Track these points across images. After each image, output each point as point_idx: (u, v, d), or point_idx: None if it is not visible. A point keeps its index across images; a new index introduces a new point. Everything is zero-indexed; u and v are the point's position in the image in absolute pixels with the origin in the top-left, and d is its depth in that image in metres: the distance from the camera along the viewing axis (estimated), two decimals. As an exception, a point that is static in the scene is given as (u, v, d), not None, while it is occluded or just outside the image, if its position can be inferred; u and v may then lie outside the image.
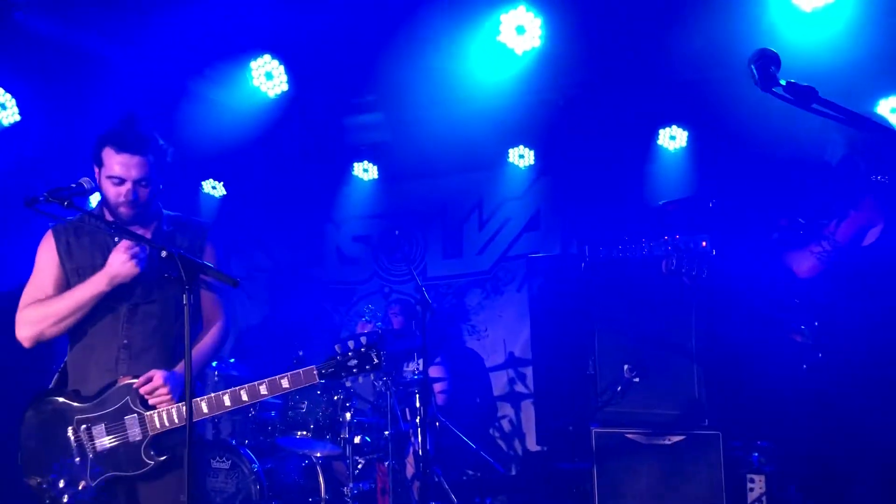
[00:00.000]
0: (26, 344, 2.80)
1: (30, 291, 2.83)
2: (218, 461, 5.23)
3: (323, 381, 2.77)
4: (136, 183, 2.78)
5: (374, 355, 2.74)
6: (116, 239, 2.78)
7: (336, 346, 2.77)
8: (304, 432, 5.25)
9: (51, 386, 2.84)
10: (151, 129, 2.92)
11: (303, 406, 5.29)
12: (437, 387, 6.37)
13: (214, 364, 5.91)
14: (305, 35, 5.37)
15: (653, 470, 4.66)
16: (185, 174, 7.10)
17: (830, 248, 3.85)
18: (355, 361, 2.74)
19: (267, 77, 5.68)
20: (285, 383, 2.70)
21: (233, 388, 2.72)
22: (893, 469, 3.78)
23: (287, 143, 6.79)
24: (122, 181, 2.77)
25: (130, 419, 2.68)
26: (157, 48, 5.40)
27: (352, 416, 5.15)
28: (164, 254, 2.45)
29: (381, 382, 5.39)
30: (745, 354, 4.89)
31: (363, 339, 2.76)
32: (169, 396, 2.70)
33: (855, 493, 3.82)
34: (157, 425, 2.69)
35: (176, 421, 2.69)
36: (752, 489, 4.63)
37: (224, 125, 6.13)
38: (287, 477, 5.41)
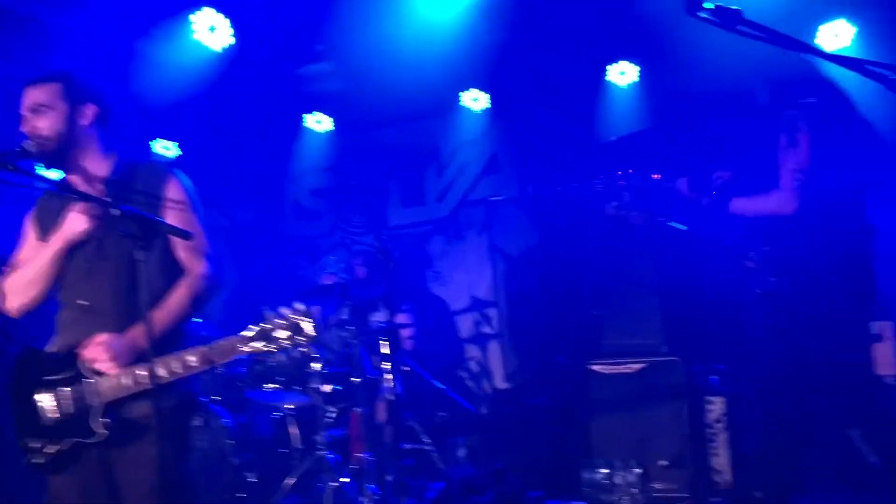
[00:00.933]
0: (13, 315, 2.79)
1: (12, 262, 2.83)
2: (190, 419, 5.26)
3: (248, 355, 2.52)
4: (31, 113, 2.70)
5: (306, 325, 2.45)
6: (72, 198, 2.72)
7: (264, 312, 2.48)
8: (274, 385, 5.30)
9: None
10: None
11: (270, 359, 5.32)
12: (405, 333, 6.44)
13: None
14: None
15: (617, 398, 4.82)
16: (137, 136, 6.96)
17: (804, 177, 3.98)
18: (285, 333, 2.45)
19: (210, 30, 5.56)
20: (212, 355, 2.50)
21: (164, 358, 2.52)
22: (845, 384, 3.96)
23: (237, 97, 6.67)
24: (23, 118, 2.71)
25: (86, 385, 2.57)
26: (101, 10, 5.24)
27: (321, 366, 5.20)
28: (115, 212, 2.41)
29: (347, 332, 5.44)
30: (701, 282, 5.02)
31: (298, 305, 2.47)
32: (111, 363, 2.54)
33: (810, 410, 4.00)
34: (106, 392, 2.56)
35: (123, 388, 2.54)
36: (711, 410, 4.81)
37: (172, 83, 6.00)
38: (260, 430, 5.48)
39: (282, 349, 2.48)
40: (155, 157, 3.04)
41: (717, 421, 4.78)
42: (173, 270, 2.79)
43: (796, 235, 3.93)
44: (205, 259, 2.82)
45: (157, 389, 2.45)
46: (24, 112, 2.71)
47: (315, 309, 6.32)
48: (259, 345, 2.47)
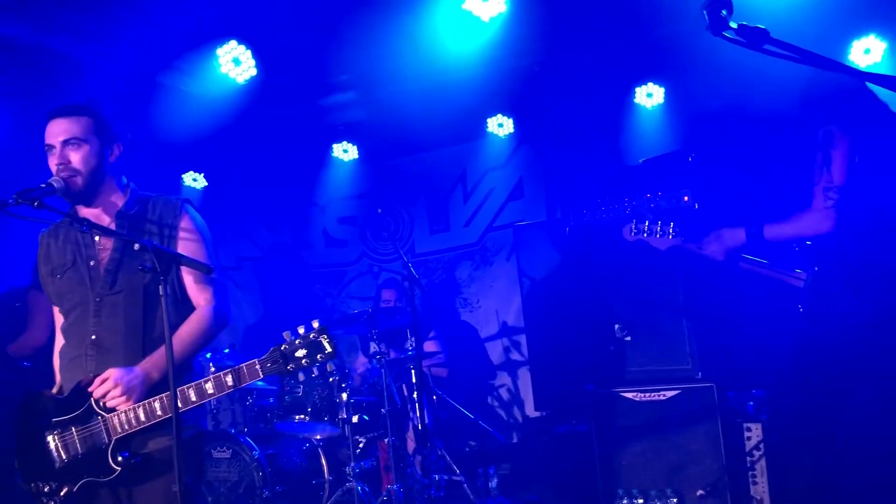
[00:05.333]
0: None
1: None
2: (219, 451, 5.25)
3: (270, 375, 2.50)
4: (64, 145, 2.67)
5: (325, 342, 2.45)
6: (92, 233, 2.71)
7: (284, 334, 2.49)
8: (303, 416, 5.27)
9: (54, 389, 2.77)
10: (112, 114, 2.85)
11: (298, 390, 5.30)
12: (434, 361, 6.39)
13: (209, 356, 5.91)
14: (269, 17, 5.28)
15: (650, 426, 4.70)
16: (165, 168, 7.05)
17: (837, 195, 3.84)
18: (304, 351, 2.45)
19: (235, 63, 5.61)
20: (230, 381, 2.49)
21: (181, 388, 2.51)
22: (880, 414, 3.80)
23: (263, 128, 6.72)
24: (52, 148, 2.69)
25: (95, 423, 2.55)
26: (125, 44, 5.31)
27: (348, 396, 5.16)
28: (136, 247, 2.40)
29: (375, 360, 5.41)
30: (733, 306, 4.90)
31: (315, 324, 2.48)
32: (123, 398, 2.52)
33: (846, 438, 3.85)
34: (119, 429, 2.53)
35: (136, 423, 2.53)
36: (749, 437, 4.67)
37: (198, 115, 6.06)
38: (289, 461, 5.43)
39: (301, 368, 2.47)
40: (169, 194, 2.99)
41: (756, 448, 4.64)
42: (184, 305, 2.79)
43: (847, 255, 3.80)
44: (214, 294, 2.81)
45: (168, 423, 2.42)
46: (54, 142, 2.69)
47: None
48: (276, 366, 2.47)
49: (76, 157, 2.67)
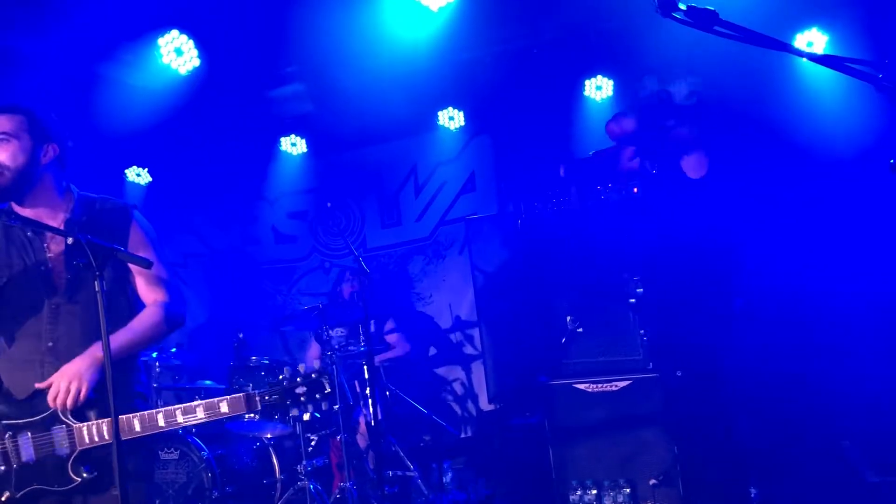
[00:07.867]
0: None
1: None
2: (166, 452, 5.12)
3: (262, 410, 2.57)
4: None
5: (325, 382, 2.57)
6: (29, 233, 2.64)
7: (285, 369, 2.58)
8: (252, 415, 5.16)
9: None
10: (50, 110, 2.76)
11: (248, 388, 5.19)
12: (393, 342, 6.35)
13: (155, 355, 5.76)
14: (213, 5, 5.14)
15: (602, 417, 4.73)
16: (108, 163, 6.85)
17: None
18: (304, 388, 2.55)
19: (177, 53, 5.44)
20: (224, 408, 2.52)
21: (167, 408, 2.52)
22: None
23: (208, 121, 6.56)
24: None
25: (59, 430, 2.49)
26: (63, 34, 5.14)
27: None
28: (69, 240, 2.32)
29: (326, 356, 5.33)
30: (681, 298, 4.96)
31: (316, 364, 2.62)
32: (75, 384, 2.47)
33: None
34: (87, 439, 2.49)
35: (99, 439, 2.49)
36: (699, 426, 4.72)
37: (141, 108, 5.89)
38: (239, 461, 5.33)
39: (300, 406, 2.56)
40: (112, 194, 2.94)
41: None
42: (140, 310, 2.78)
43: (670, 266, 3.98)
44: (167, 294, 2.80)
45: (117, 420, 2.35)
46: None
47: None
48: (276, 399, 2.54)
49: (3, 154, 2.59)
